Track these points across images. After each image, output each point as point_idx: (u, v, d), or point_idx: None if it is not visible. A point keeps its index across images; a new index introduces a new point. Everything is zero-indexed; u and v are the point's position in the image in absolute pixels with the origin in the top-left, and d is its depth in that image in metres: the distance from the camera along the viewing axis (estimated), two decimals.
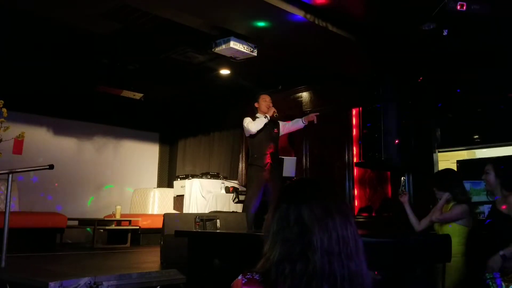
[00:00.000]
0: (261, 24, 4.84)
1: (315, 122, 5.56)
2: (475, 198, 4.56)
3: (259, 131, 5.32)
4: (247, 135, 5.51)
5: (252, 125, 5.32)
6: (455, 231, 3.45)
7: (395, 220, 6.00)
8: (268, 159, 5.25)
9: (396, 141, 5.34)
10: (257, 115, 5.50)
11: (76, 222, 6.93)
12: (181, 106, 8.47)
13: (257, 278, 1.15)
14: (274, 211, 1.23)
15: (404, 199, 3.94)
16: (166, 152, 9.52)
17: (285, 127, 5.70)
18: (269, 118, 5.35)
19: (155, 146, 9.45)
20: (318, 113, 5.62)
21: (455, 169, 5.27)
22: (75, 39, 5.78)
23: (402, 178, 4.03)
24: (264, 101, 5.48)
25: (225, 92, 7.67)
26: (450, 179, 3.68)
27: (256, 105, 5.54)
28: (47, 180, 7.52)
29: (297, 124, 5.72)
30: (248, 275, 1.16)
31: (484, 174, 3.43)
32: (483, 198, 4.49)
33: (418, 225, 3.77)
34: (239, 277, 1.17)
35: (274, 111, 5.40)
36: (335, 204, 1.20)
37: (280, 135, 5.66)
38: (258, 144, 5.32)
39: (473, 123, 5.51)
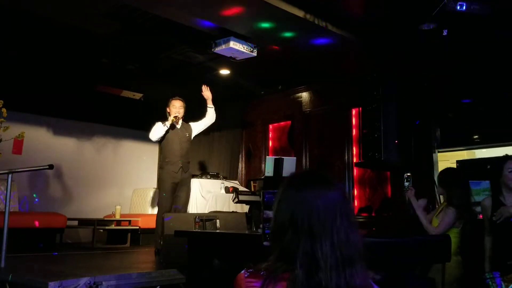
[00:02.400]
0: (262, 25, 4.83)
1: (206, 95, 5.48)
2: (474, 198, 4.55)
3: (164, 137, 5.24)
4: None
5: (151, 134, 5.26)
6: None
7: (395, 220, 6.00)
8: (179, 164, 5.25)
9: (396, 141, 5.34)
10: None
11: (76, 222, 6.93)
12: None
13: (261, 273, 1.15)
14: (274, 215, 1.23)
15: (410, 194, 3.84)
16: None
17: (199, 125, 5.57)
18: (168, 126, 5.22)
19: (155, 146, 9.43)
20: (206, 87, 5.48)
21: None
22: (75, 39, 5.77)
23: (405, 174, 3.96)
24: (174, 106, 5.33)
25: (225, 92, 7.67)
26: (451, 178, 3.67)
27: (167, 109, 5.38)
28: (47, 180, 7.52)
29: (208, 113, 5.56)
30: (251, 270, 1.17)
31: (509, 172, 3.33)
32: (483, 197, 4.49)
33: (426, 219, 3.73)
34: (242, 271, 1.18)
35: (175, 117, 5.26)
36: (337, 212, 1.17)
37: (194, 135, 5.56)
38: (170, 149, 5.27)
39: (473, 123, 5.51)
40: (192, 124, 5.57)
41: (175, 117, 5.25)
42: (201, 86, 5.62)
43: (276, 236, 1.19)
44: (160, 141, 5.36)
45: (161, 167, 5.35)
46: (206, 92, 5.56)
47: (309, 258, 1.11)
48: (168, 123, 5.23)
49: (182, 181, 5.28)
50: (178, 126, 5.39)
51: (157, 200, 5.41)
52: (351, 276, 1.11)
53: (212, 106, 5.56)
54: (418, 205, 3.76)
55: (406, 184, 3.86)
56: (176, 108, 5.33)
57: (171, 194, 5.20)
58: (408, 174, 3.90)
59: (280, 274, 1.12)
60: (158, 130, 5.23)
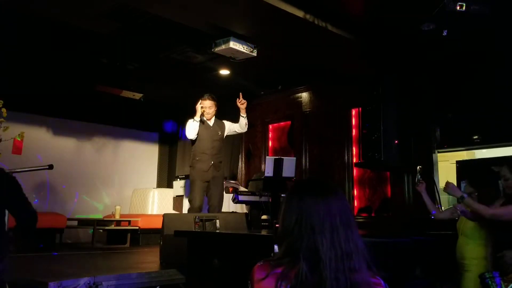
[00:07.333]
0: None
1: (241, 103, 5.33)
2: None
3: (196, 133, 5.23)
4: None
5: (187, 132, 5.24)
6: (475, 231, 3.28)
7: (395, 220, 6.00)
8: (210, 162, 5.17)
9: (396, 141, 5.34)
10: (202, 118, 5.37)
11: (75, 222, 6.93)
12: (180, 106, 8.47)
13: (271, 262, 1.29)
14: (282, 219, 1.34)
15: (421, 188, 3.80)
16: (166, 152, 9.52)
17: (231, 126, 5.48)
18: (197, 120, 5.21)
19: (154, 146, 9.44)
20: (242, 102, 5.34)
21: (454, 169, 5.29)
22: (75, 39, 5.77)
23: (417, 167, 3.95)
24: (203, 105, 5.30)
25: (225, 92, 7.66)
26: (480, 177, 3.61)
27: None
28: (47, 180, 7.51)
29: (240, 122, 5.44)
30: (262, 261, 1.30)
31: (504, 180, 3.14)
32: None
33: (439, 212, 3.70)
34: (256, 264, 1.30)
35: (203, 111, 5.24)
36: (337, 215, 1.28)
37: (226, 134, 5.48)
38: (201, 147, 5.22)
39: (473, 123, 5.51)
40: (226, 122, 5.49)
41: (203, 111, 5.23)
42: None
43: (283, 236, 1.31)
44: (194, 140, 5.28)
45: (191, 166, 5.23)
46: (241, 104, 5.36)
47: (311, 252, 1.23)
48: (196, 118, 5.21)
49: (214, 180, 5.16)
50: (211, 123, 5.34)
51: (188, 199, 5.31)
52: (350, 271, 1.21)
53: (245, 115, 5.40)
54: (429, 197, 3.76)
55: (418, 177, 3.86)
56: (205, 107, 5.28)
57: (201, 194, 5.11)
58: (420, 166, 3.90)
59: (292, 267, 1.22)
60: (191, 126, 5.21)
